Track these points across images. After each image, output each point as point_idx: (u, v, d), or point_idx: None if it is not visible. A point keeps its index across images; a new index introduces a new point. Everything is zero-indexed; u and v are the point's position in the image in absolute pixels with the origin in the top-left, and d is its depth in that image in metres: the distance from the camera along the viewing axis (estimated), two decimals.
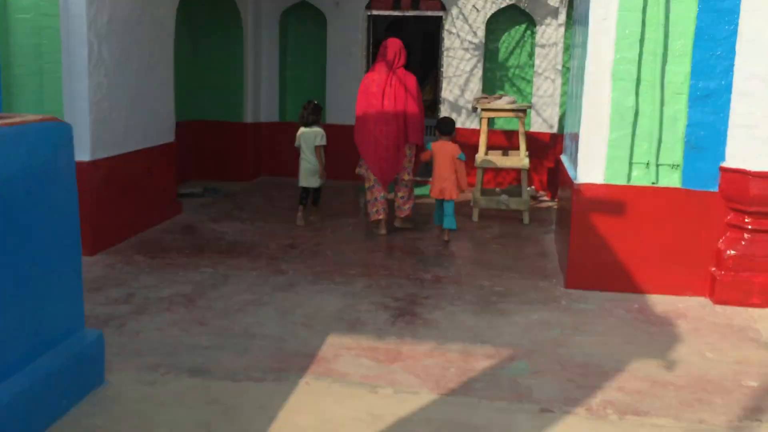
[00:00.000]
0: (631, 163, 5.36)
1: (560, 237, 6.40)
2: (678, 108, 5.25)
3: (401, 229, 7.35)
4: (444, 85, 9.85)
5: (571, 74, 6.74)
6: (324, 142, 7.56)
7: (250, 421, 3.32)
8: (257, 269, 5.83)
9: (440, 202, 6.99)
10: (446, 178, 6.82)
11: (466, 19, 9.65)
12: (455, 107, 9.81)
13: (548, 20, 9.45)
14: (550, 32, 9.47)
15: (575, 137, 5.86)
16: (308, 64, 10.39)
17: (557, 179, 9.10)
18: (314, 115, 7.61)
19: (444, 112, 9.88)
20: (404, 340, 4.38)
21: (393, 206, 7.33)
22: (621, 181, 5.37)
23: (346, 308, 4.94)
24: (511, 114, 7.76)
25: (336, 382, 3.76)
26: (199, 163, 9.89)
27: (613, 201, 5.38)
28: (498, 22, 9.82)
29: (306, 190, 7.60)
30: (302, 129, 7.62)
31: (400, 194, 7.20)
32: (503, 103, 7.78)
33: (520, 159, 7.72)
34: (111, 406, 3.43)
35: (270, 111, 10.29)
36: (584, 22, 5.69)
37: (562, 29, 9.09)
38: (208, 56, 9.72)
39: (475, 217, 7.83)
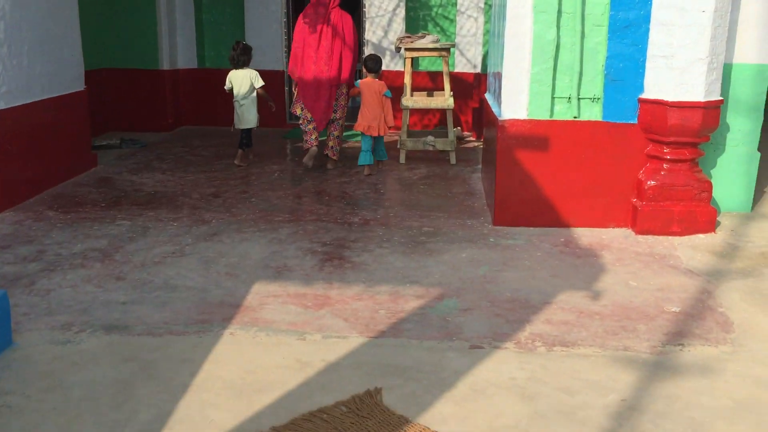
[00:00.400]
0: (553, 98, 5.34)
1: (487, 176, 6.39)
2: (598, 40, 5.23)
3: (328, 173, 7.22)
4: (367, 26, 9.61)
5: (493, 11, 6.64)
6: (262, 83, 7.56)
7: (171, 376, 3.19)
8: (178, 220, 5.62)
9: (368, 138, 7.13)
10: (375, 115, 7.02)
11: None
12: (379, 49, 9.61)
13: None
14: None
15: (498, 75, 5.79)
16: (225, 6, 9.95)
17: (482, 119, 9.09)
18: (245, 55, 7.54)
19: (367, 53, 9.64)
20: (332, 284, 4.29)
21: (325, 146, 7.52)
22: (544, 116, 5.35)
23: (272, 255, 4.81)
24: (434, 53, 7.63)
25: (262, 330, 3.65)
26: (116, 114, 9.44)
27: (536, 136, 5.36)
28: None
29: (245, 131, 7.61)
30: (233, 71, 7.54)
31: (335, 133, 7.38)
32: (426, 42, 7.64)
33: (444, 99, 7.64)
34: (20, 368, 3.23)
35: (188, 57, 9.86)
36: None
37: None
38: (118, 1, 9.17)
39: (402, 159, 7.74)
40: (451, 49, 7.74)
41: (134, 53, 9.31)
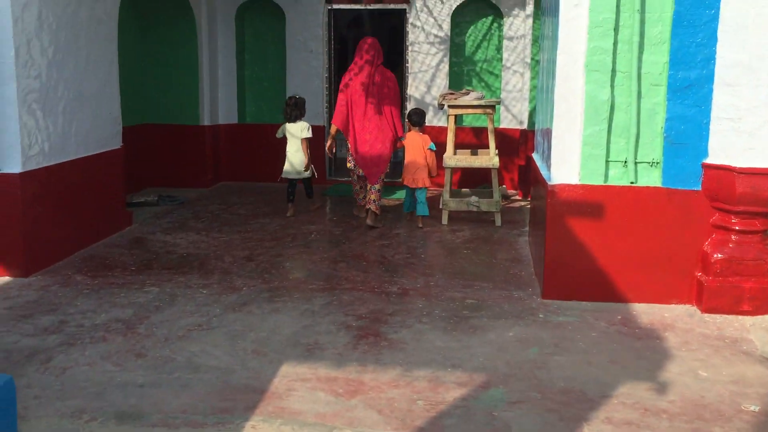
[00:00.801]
0: (607, 162, 4.98)
1: (534, 241, 6.01)
2: (656, 101, 4.88)
3: (367, 234, 6.93)
4: (410, 81, 9.41)
5: (541, 67, 6.35)
6: (310, 135, 7.75)
7: None
8: (208, 286, 5.35)
9: (411, 190, 7.35)
10: (418, 167, 7.18)
11: (430, 12, 9.22)
12: (421, 104, 9.38)
13: (515, 11, 9.07)
14: (518, 24, 9.08)
15: (547, 134, 5.47)
16: (267, 62, 9.89)
17: (528, 178, 8.74)
18: (297, 109, 7.74)
19: (409, 108, 9.43)
20: (366, 367, 3.93)
21: (366, 200, 7.38)
22: (597, 181, 4.98)
23: (303, 330, 4.48)
24: (479, 110, 7.35)
25: (287, 424, 3.30)
26: (155, 170, 9.35)
27: (589, 203, 4.98)
28: (464, 15, 9.41)
29: (292, 183, 7.80)
30: (287, 124, 7.75)
31: (377, 186, 7.21)
32: (470, 99, 7.37)
33: (489, 158, 7.32)
34: None
35: (228, 112, 9.78)
36: (554, 10, 5.29)
37: (530, 20, 8.70)
38: (160, 55, 9.18)
39: (445, 220, 7.41)
40: (496, 105, 7.45)
41: (175, 109, 9.26)
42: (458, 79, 9.52)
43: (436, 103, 9.33)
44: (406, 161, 7.24)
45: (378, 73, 7.16)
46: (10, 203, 5.47)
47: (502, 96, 9.25)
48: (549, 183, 5.05)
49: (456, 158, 7.35)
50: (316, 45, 9.45)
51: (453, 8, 9.18)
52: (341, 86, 7.24)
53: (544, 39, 6.20)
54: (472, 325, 4.56)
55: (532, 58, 8.68)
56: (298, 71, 9.53)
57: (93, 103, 6.50)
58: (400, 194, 8.77)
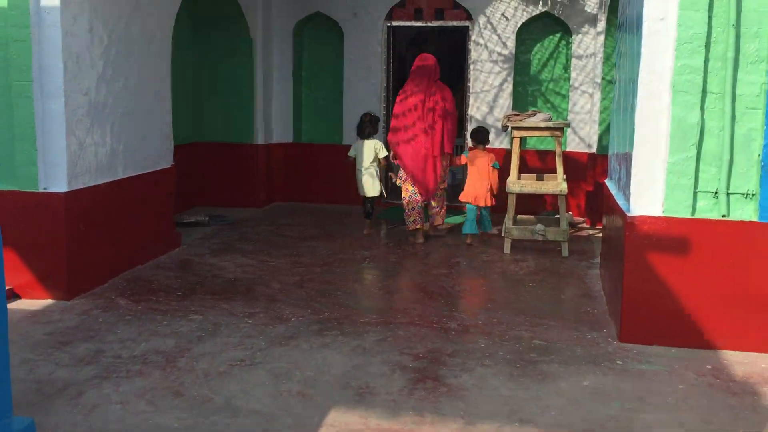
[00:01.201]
0: (695, 192, 4.46)
1: (608, 275, 5.51)
2: (752, 126, 4.36)
3: (427, 260, 6.53)
4: (471, 101, 9.01)
5: (617, 87, 5.88)
6: (386, 153, 7.70)
7: None
8: (254, 315, 5.02)
9: (472, 208, 7.27)
10: (482, 186, 7.18)
11: (494, 29, 8.82)
12: (483, 125, 8.95)
13: (585, 28, 8.59)
14: (588, 42, 8.60)
15: (625, 160, 4.99)
16: (324, 79, 9.64)
17: (597, 204, 8.21)
18: (371, 126, 7.72)
19: (470, 129, 9.02)
20: (424, 417, 3.51)
21: (427, 215, 7.49)
22: (684, 213, 4.47)
23: (354, 370, 4.09)
24: (546, 133, 6.89)
25: None
26: (207, 189, 9.16)
27: (675, 237, 4.47)
28: (529, 32, 8.98)
29: (369, 199, 7.76)
30: (360, 140, 7.76)
31: (434, 203, 7.35)
32: (537, 120, 6.92)
33: (557, 184, 6.84)
34: None
35: (283, 131, 9.54)
36: (635, 24, 4.83)
37: (602, 38, 8.21)
38: (216, 72, 9.01)
39: (507, 249, 6.95)
40: (564, 128, 6.97)
41: (228, 126, 9.06)
42: (522, 100, 9.07)
43: (499, 124, 8.90)
44: (468, 179, 7.25)
45: (433, 89, 7.12)
46: (54, 223, 5.26)
47: (569, 117, 8.76)
48: (628, 214, 4.56)
49: (521, 183, 6.89)
50: (375, 63, 9.15)
51: (518, 25, 8.76)
52: (396, 103, 7.27)
53: (620, 57, 5.73)
54: (541, 372, 4.09)
55: (603, 78, 8.17)
56: (356, 89, 9.24)
57: (144, 120, 6.30)
58: (455, 218, 8.35)
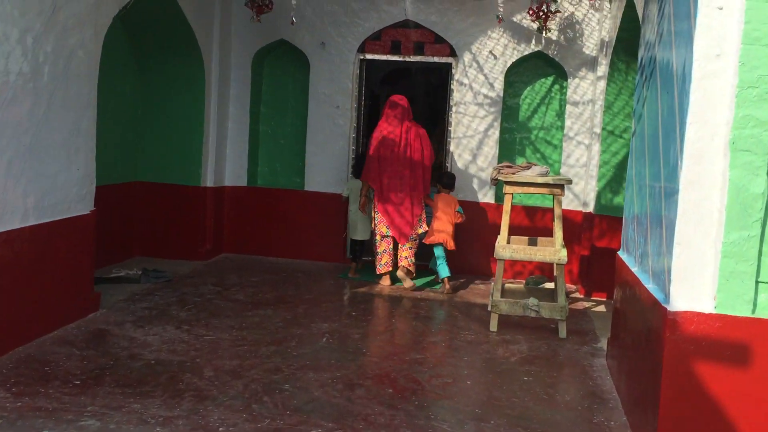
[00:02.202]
0: (758, 283, 3.40)
1: (624, 370, 4.40)
2: None
3: (394, 339, 5.35)
4: (452, 147, 7.96)
5: (636, 140, 4.86)
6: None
7: None
8: (170, 422, 3.78)
9: (439, 248, 7.11)
10: (444, 229, 7.09)
11: (481, 68, 7.82)
12: (465, 176, 7.89)
13: (582, 72, 7.64)
14: (585, 87, 7.63)
15: (654, 232, 3.93)
16: (286, 116, 8.52)
17: (594, 272, 7.19)
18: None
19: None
20: None
21: (399, 264, 7.20)
22: (743, 310, 3.39)
23: None
24: (544, 190, 5.82)
25: None
26: (145, 236, 7.91)
27: (731, 342, 3.39)
28: (519, 73, 8.00)
29: (358, 242, 7.54)
30: (352, 180, 7.63)
31: (408, 245, 7.11)
32: (533, 174, 5.86)
33: (555, 251, 5.75)
34: None
35: (237, 173, 8.36)
36: (673, 65, 3.81)
37: (602, 84, 7.24)
38: (163, 104, 7.83)
39: (494, 327, 5.82)
40: (566, 184, 5.92)
41: (174, 165, 7.86)
42: (509, 149, 8.05)
43: (482, 174, 7.84)
44: (433, 222, 7.12)
45: (409, 127, 7.04)
46: None
47: (562, 171, 7.75)
48: (667, 308, 3.47)
49: (512, 248, 5.79)
50: (344, 100, 8.07)
51: (508, 65, 7.77)
52: (372, 141, 7.05)
53: (644, 103, 4.70)
54: None
55: (603, 128, 7.18)
56: (322, 129, 8.13)
57: (56, 156, 5.09)
58: (423, 281, 7.30)
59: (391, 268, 7.14)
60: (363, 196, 7.19)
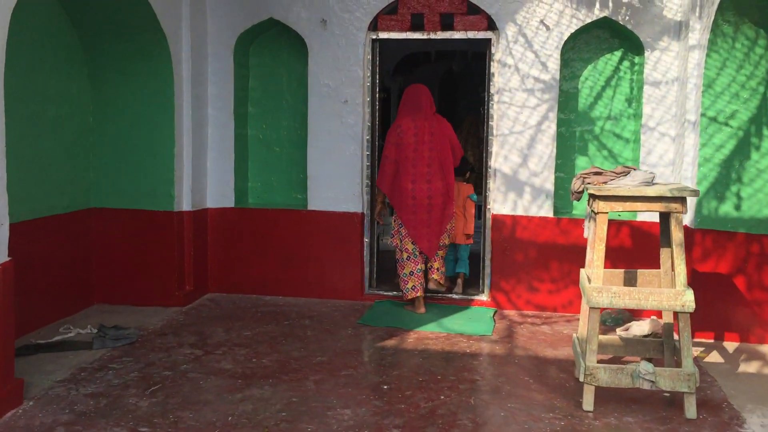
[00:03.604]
0: None
1: None
2: None
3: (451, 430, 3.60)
4: (494, 147, 6.18)
5: None
6: None
7: None
8: None
9: (451, 246, 6.37)
10: (458, 221, 6.34)
11: (529, 44, 6.04)
12: (514, 183, 6.13)
13: (664, 42, 5.86)
14: (669, 61, 5.87)
15: None
16: (281, 117, 6.77)
17: (699, 308, 5.40)
18: None
19: (495, 190, 6.19)
20: None
21: (429, 279, 6.14)
22: None
23: None
24: (657, 206, 4.02)
25: None
26: (105, 277, 6.15)
27: None
28: (577, 49, 6.25)
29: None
30: None
31: (435, 263, 6.09)
32: (636, 183, 4.08)
33: (677, 293, 3.97)
34: None
35: (221, 191, 6.59)
36: None
37: (697, 55, 5.46)
38: (118, 110, 6.06)
39: (589, 404, 4.05)
40: (688, 197, 4.13)
41: (139, 187, 6.09)
42: (567, 146, 6.30)
43: (535, 180, 6.08)
44: None
45: (434, 123, 5.94)
46: None
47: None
48: None
49: (612, 291, 4.01)
50: (354, 93, 6.30)
51: (564, 38, 6.00)
52: (388, 142, 5.94)
53: None
54: None
55: (703, 114, 5.38)
56: (327, 131, 6.36)
57: None
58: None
59: (419, 293, 5.95)
60: (379, 202, 6.20)
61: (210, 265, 6.57)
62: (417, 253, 5.94)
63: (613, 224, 5.92)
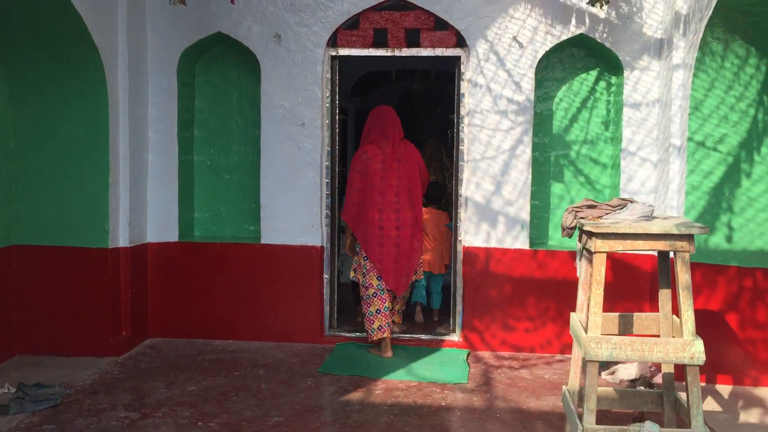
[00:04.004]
0: None
1: None
2: None
3: None
4: (465, 174, 5.69)
5: None
6: None
7: None
8: None
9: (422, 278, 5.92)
10: (433, 249, 6.21)
11: (502, 62, 5.59)
12: (488, 213, 5.65)
13: (644, 61, 5.48)
14: (650, 81, 5.48)
15: None
16: (231, 142, 6.17)
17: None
18: None
19: (467, 220, 5.69)
20: None
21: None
22: None
23: None
24: (662, 244, 3.56)
25: None
26: (29, 325, 5.41)
27: None
28: (551, 68, 5.84)
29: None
30: None
31: (397, 306, 5.82)
32: (635, 218, 3.62)
33: (684, 344, 3.50)
34: None
35: (164, 223, 5.93)
36: None
37: (682, 75, 5.08)
38: (46, 133, 5.36)
39: None
40: (698, 234, 3.67)
41: (68, 221, 5.39)
42: (541, 171, 5.86)
43: (509, 209, 5.60)
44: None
45: (404, 150, 5.51)
46: None
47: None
48: None
49: (612, 342, 3.51)
50: (312, 115, 5.75)
51: (539, 56, 5.57)
52: (353, 169, 5.48)
53: None
54: None
55: (690, 138, 4.99)
56: (282, 156, 5.78)
57: None
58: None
59: (388, 334, 5.43)
60: (349, 235, 5.68)
61: (151, 307, 5.89)
62: (384, 290, 5.44)
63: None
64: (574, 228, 3.78)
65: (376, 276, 5.43)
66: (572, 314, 3.98)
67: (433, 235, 6.19)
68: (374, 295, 5.43)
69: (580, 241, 3.85)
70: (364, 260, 5.47)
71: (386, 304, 5.43)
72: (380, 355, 5.43)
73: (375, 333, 5.41)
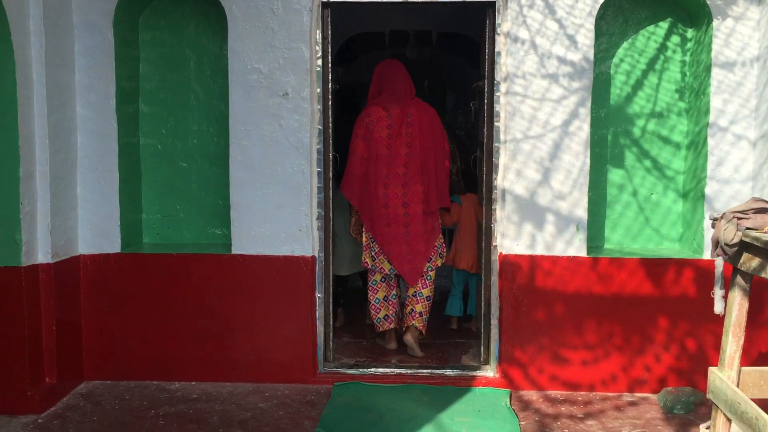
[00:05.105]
0: None
1: None
2: None
3: None
4: (503, 159, 4.32)
5: None
6: None
7: None
8: None
9: (459, 275, 5.40)
10: (473, 244, 5.22)
11: (551, 9, 4.22)
12: (530, 209, 4.29)
13: (741, 6, 4.15)
14: (747, 33, 4.16)
15: None
16: (190, 119, 4.72)
17: None
18: None
19: (505, 220, 4.33)
20: None
21: (407, 315, 4.89)
22: None
23: None
24: None
25: None
26: None
27: None
28: (608, 19, 4.48)
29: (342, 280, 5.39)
30: None
31: (424, 292, 4.85)
32: None
33: None
34: None
35: (100, 229, 4.44)
36: None
37: None
38: None
39: None
40: None
41: None
42: (594, 153, 4.51)
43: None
44: (457, 234, 5.33)
45: (415, 112, 4.74)
46: None
47: (706, 191, 4.24)
48: None
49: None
50: (298, 81, 4.31)
51: (598, 6, 4.21)
52: (355, 135, 4.75)
53: None
54: None
55: None
56: (257, 138, 4.35)
57: None
58: None
59: (394, 324, 4.94)
60: (354, 213, 5.05)
61: (86, 342, 4.42)
62: (393, 276, 4.92)
63: (667, 264, 4.18)
64: (736, 246, 2.43)
65: (385, 259, 4.82)
66: (712, 370, 2.65)
67: (472, 227, 5.29)
68: (383, 280, 4.92)
69: (731, 261, 2.51)
70: (371, 241, 4.85)
71: (393, 293, 4.96)
72: (384, 345, 5.01)
73: (381, 323, 4.95)
